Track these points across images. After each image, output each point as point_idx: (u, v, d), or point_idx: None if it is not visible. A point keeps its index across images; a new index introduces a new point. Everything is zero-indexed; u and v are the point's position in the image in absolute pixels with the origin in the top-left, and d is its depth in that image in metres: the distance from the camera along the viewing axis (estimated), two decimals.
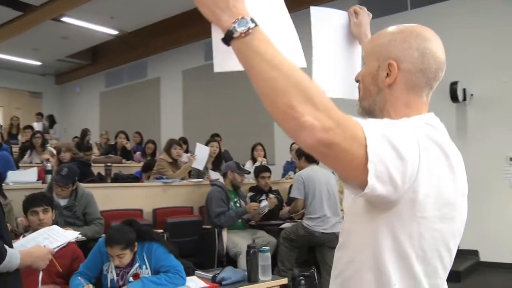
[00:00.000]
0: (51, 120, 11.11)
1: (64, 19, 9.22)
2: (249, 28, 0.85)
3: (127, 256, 2.69)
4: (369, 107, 1.12)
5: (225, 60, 1.00)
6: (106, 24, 9.88)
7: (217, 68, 1.03)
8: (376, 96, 1.08)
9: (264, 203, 4.90)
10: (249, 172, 5.48)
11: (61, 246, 2.43)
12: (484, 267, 5.93)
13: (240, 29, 0.85)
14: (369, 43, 1.15)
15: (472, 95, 6.22)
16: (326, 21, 1.44)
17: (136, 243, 2.73)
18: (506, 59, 6.07)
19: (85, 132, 9.02)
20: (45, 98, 14.27)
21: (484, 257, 6.02)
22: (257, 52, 0.85)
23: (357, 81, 1.17)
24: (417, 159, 0.87)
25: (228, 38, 0.87)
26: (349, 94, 1.40)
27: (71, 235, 2.58)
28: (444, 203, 0.95)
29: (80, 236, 2.75)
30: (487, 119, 6.14)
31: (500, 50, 6.09)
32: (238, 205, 4.90)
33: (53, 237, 2.50)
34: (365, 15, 1.45)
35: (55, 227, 2.64)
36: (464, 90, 6.23)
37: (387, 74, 1.05)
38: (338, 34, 1.45)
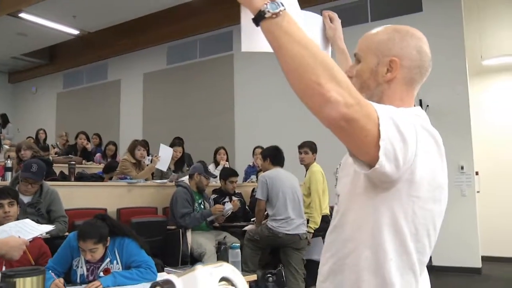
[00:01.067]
0: (4, 120, 10.73)
1: (22, 15, 8.95)
2: (280, 10, 0.92)
3: (100, 250, 2.69)
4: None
5: (253, 41, 1.07)
6: (68, 23, 9.67)
7: (245, 48, 1.10)
8: (374, 90, 1.16)
9: (228, 205, 4.96)
10: (215, 176, 5.54)
11: (36, 236, 2.42)
12: (436, 271, 6.19)
13: (272, 10, 0.92)
14: (364, 41, 1.22)
15: (428, 105, 6.53)
16: (301, 22, 1.55)
17: (108, 238, 2.73)
18: (458, 70, 6.42)
19: (37, 133, 8.83)
20: None
21: (435, 261, 6.29)
22: (286, 32, 0.91)
23: (348, 77, 1.27)
24: (415, 144, 0.96)
25: (259, 18, 0.93)
26: None
27: (45, 228, 2.56)
28: (436, 185, 1.05)
29: (51, 230, 2.73)
30: (442, 129, 6.21)
31: (454, 61, 6.43)
32: (202, 206, 4.95)
33: (26, 230, 2.47)
34: (339, 21, 1.57)
35: (28, 220, 2.61)
36: (420, 100, 6.52)
37: (387, 70, 1.14)
38: (311, 34, 1.57)
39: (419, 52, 1.16)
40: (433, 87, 6.51)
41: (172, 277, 0.69)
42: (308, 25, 1.54)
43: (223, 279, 0.71)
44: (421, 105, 6.53)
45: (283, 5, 0.93)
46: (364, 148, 0.93)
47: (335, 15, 1.57)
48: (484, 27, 7.26)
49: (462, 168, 6.26)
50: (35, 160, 3.80)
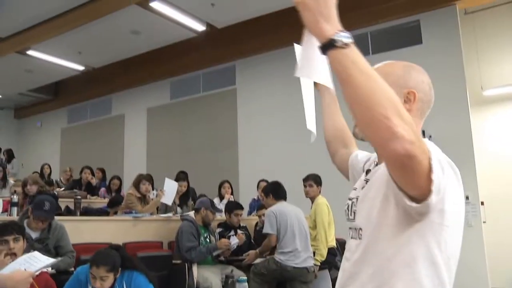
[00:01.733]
0: (9, 155, 10.81)
1: (30, 52, 9.14)
2: (351, 41, 0.94)
3: (110, 279, 2.69)
4: None
5: (308, 68, 1.10)
6: (73, 59, 9.86)
7: (299, 74, 1.12)
8: None
9: (234, 239, 4.95)
10: (221, 211, 5.55)
11: (42, 269, 2.42)
12: None
13: (345, 40, 0.93)
14: (380, 73, 1.26)
15: (430, 136, 6.56)
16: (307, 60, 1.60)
17: (119, 269, 2.74)
18: (460, 100, 6.48)
19: (42, 167, 8.89)
20: (2, 132, 13.87)
21: None
22: (356, 63, 0.92)
23: None
24: (445, 174, 0.99)
25: (328, 47, 0.94)
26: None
27: (52, 260, 2.57)
28: (460, 213, 1.08)
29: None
30: None
31: (455, 91, 6.50)
32: (208, 240, 4.94)
33: (33, 263, 2.48)
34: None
35: (36, 253, 2.62)
36: (423, 131, 6.56)
37: (404, 101, 1.20)
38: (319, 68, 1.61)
39: (430, 88, 1.25)
40: (435, 117, 6.52)
41: None
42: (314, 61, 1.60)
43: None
44: (424, 135, 6.57)
45: (351, 38, 0.94)
46: (417, 182, 0.94)
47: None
48: (483, 58, 7.38)
49: (467, 198, 6.24)
50: (47, 197, 3.80)
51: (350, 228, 1.25)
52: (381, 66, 1.28)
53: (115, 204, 5.92)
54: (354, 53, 0.93)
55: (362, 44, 7.47)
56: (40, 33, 8.19)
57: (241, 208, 5.52)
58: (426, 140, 1.19)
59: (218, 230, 5.42)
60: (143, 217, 5.13)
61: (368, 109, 0.90)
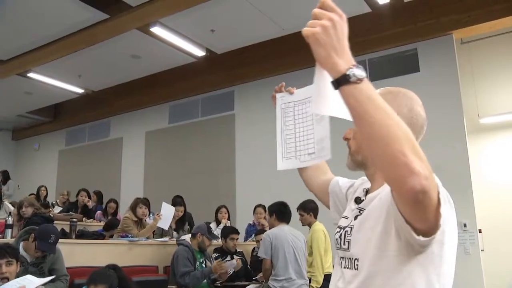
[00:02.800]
0: (5, 176, 10.75)
1: (30, 74, 9.22)
2: (364, 76, 0.91)
3: None
4: (363, 160, 1.27)
5: (323, 103, 1.06)
6: (73, 82, 9.93)
7: (314, 110, 1.13)
8: None
9: (231, 263, 4.91)
10: (218, 237, 5.52)
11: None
12: None
13: (358, 75, 0.90)
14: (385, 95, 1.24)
15: None
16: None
17: None
18: (457, 128, 6.53)
19: (38, 189, 8.85)
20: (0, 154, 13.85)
21: None
22: (369, 98, 0.90)
23: (345, 139, 1.31)
24: (447, 206, 0.98)
25: (342, 82, 0.91)
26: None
27: (46, 279, 2.55)
28: (455, 244, 1.08)
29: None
30: (442, 187, 6.46)
31: (452, 119, 6.55)
32: (204, 265, 4.90)
33: (26, 284, 2.45)
34: None
35: (29, 276, 2.59)
36: None
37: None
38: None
39: (410, 111, 1.23)
40: (431, 145, 6.59)
41: None
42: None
43: None
44: None
45: (365, 72, 0.92)
46: (428, 217, 0.93)
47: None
48: (479, 86, 7.47)
49: (465, 225, 6.22)
50: (53, 229, 3.75)
51: (342, 257, 1.22)
52: (384, 89, 1.29)
53: (111, 227, 5.88)
54: (368, 88, 0.91)
55: None
56: (41, 56, 8.25)
57: (237, 232, 5.50)
58: None
59: (215, 255, 5.38)
60: (139, 241, 5.09)
61: (385, 145, 0.88)
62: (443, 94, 6.70)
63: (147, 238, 5.46)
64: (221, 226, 6.38)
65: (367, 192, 1.33)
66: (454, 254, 1.08)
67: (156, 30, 7.38)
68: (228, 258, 5.40)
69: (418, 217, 0.94)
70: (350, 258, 1.18)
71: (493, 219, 7.20)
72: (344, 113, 0.97)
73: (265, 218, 6.22)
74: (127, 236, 5.23)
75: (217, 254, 5.39)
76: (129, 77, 9.80)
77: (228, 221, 6.58)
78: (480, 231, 6.42)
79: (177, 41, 7.84)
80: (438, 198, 0.91)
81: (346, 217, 1.30)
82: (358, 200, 1.31)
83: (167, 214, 5.69)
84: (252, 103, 8.66)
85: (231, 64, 8.65)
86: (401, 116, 1.16)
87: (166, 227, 5.77)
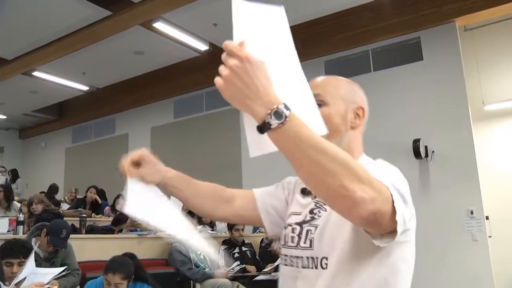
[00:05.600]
0: (14, 175, 10.86)
1: (35, 73, 9.27)
2: (285, 118, 0.84)
3: (123, 287, 2.71)
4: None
5: (261, 143, 0.93)
6: (77, 79, 9.98)
7: (253, 153, 0.96)
8: (344, 135, 1.19)
9: (235, 263, 5.04)
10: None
11: (53, 278, 2.44)
12: None
13: (278, 121, 0.84)
14: (327, 86, 1.22)
15: (433, 151, 6.59)
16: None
17: (132, 277, 2.77)
18: (461, 116, 6.53)
19: (55, 189, 8.96)
20: (7, 152, 13.95)
21: None
22: (298, 139, 0.84)
23: None
24: (409, 199, 0.98)
25: (264, 129, 0.85)
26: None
27: (58, 269, 2.59)
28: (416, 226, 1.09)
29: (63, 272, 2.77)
30: (448, 174, 6.48)
31: (456, 107, 6.55)
32: (201, 256, 5.00)
33: (40, 276, 2.50)
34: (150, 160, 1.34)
35: (39, 269, 2.63)
36: (426, 147, 6.60)
37: (354, 117, 1.21)
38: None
39: (367, 105, 1.26)
40: (437, 133, 6.61)
41: None
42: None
43: None
44: (426, 152, 6.61)
45: (287, 108, 0.84)
46: (383, 226, 0.91)
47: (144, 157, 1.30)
48: (483, 73, 7.46)
49: (471, 212, 6.24)
50: (64, 225, 3.82)
51: (297, 256, 1.16)
52: (327, 79, 1.26)
53: (119, 222, 5.94)
54: (293, 127, 0.84)
55: (363, 62, 7.56)
56: (45, 55, 8.29)
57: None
58: (366, 159, 1.21)
59: (223, 247, 5.44)
60: (148, 235, 5.15)
61: (323, 183, 0.84)
62: (447, 82, 6.70)
63: (156, 232, 5.51)
64: None
65: None
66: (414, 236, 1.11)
67: (159, 25, 7.41)
68: (237, 249, 5.47)
69: (374, 230, 0.93)
70: (313, 257, 1.13)
71: (500, 205, 7.21)
72: None
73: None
74: (136, 230, 5.29)
75: (225, 246, 5.45)
76: (133, 73, 9.83)
77: None
78: (487, 217, 6.43)
79: (180, 36, 7.86)
80: (393, 207, 0.89)
81: (298, 213, 1.24)
82: (305, 192, 1.27)
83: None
84: None
85: None
86: (366, 109, 1.23)
87: None
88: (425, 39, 7.10)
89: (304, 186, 1.28)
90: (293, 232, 1.20)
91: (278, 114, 0.84)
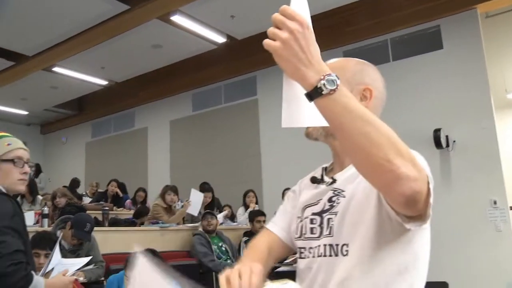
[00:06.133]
0: (37, 169, 11.04)
1: (56, 69, 9.39)
2: (337, 85, 0.85)
3: None
4: None
5: (294, 116, 0.98)
6: (97, 74, 10.08)
7: (285, 124, 1.00)
8: None
9: None
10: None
11: (78, 270, 2.47)
12: None
13: (330, 87, 0.85)
14: (334, 68, 1.09)
15: (454, 141, 6.51)
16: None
17: None
18: (483, 105, 6.42)
19: (77, 183, 9.11)
20: (29, 147, 13.97)
21: None
22: (347, 108, 0.85)
23: None
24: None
25: (314, 95, 0.86)
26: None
27: (84, 259, 2.63)
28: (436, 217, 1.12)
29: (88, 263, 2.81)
30: (470, 164, 6.40)
31: (478, 96, 6.45)
32: (223, 248, 5.03)
33: (66, 267, 2.53)
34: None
35: (64, 260, 2.67)
36: (447, 136, 6.52)
37: (361, 98, 1.17)
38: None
39: (383, 86, 1.23)
40: (459, 122, 6.52)
41: None
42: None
43: None
44: (447, 141, 6.53)
45: (338, 78, 0.86)
46: (418, 208, 0.91)
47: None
48: (506, 61, 7.32)
49: (495, 203, 6.15)
50: (88, 218, 3.89)
51: (317, 246, 1.15)
52: (335, 61, 1.24)
53: (140, 215, 6.02)
54: (343, 97, 0.86)
55: (382, 51, 7.48)
56: (64, 50, 8.39)
57: (263, 214, 5.60)
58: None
59: (244, 239, 5.49)
60: (169, 227, 5.20)
61: (368, 155, 0.84)
62: (468, 70, 6.59)
63: (177, 224, 5.57)
64: (250, 210, 6.46)
65: (325, 169, 1.31)
66: None
67: (177, 18, 7.42)
68: None
69: (409, 212, 0.93)
70: (331, 245, 1.11)
71: None
72: (320, 120, 0.90)
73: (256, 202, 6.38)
74: (157, 223, 5.34)
75: (247, 238, 5.49)
76: (151, 67, 9.88)
77: (256, 205, 6.66)
78: (511, 208, 6.34)
79: (197, 28, 7.87)
80: (428, 189, 0.89)
81: (313, 204, 1.22)
82: (317, 180, 1.27)
83: (196, 200, 5.79)
84: (275, 87, 8.61)
85: (252, 49, 8.62)
86: (378, 91, 1.20)
87: (195, 213, 5.87)
88: (445, 27, 6.99)
89: (314, 175, 1.29)
90: (312, 223, 1.18)
91: (330, 81, 0.85)
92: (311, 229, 1.18)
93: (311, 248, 1.16)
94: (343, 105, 0.85)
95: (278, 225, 1.34)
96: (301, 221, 1.22)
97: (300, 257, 1.21)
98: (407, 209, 0.91)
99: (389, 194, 0.90)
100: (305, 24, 0.88)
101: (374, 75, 1.22)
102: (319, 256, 1.13)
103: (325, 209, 1.17)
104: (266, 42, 0.88)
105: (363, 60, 1.25)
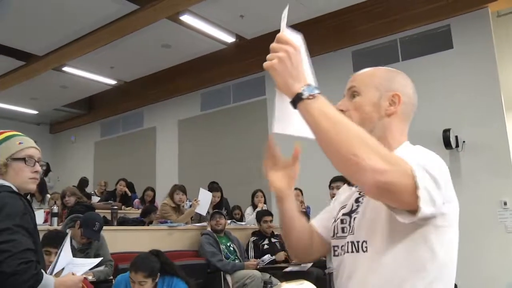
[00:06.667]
0: (46, 169, 11.09)
1: (65, 68, 9.44)
2: (316, 93, 1.02)
3: (148, 285, 2.75)
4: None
5: (285, 124, 1.17)
6: (106, 74, 10.12)
7: (276, 130, 1.19)
8: (376, 123, 1.23)
9: (267, 256, 5.07)
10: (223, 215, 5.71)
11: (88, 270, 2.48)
12: None
13: (310, 92, 1.02)
14: (363, 76, 1.29)
15: (464, 141, 6.46)
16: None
17: (158, 274, 2.80)
18: (494, 105, 6.37)
19: (85, 182, 9.16)
20: (38, 146, 14.19)
21: None
22: (322, 111, 1.01)
23: (342, 111, 1.25)
24: (444, 182, 1.06)
25: (296, 100, 1.03)
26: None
27: (95, 260, 2.64)
28: (457, 211, 1.16)
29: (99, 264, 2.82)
30: (480, 164, 6.34)
31: (488, 96, 6.40)
32: (231, 248, 5.03)
33: (77, 267, 2.55)
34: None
35: (76, 260, 2.69)
36: (456, 137, 6.47)
37: (389, 104, 1.23)
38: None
39: (413, 92, 1.28)
40: (469, 123, 6.47)
41: None
42: None
43: None
44: (457, 141, 6.49)
45: (317, 89, 1.04)
46: (405, 201, 1.00)
47: (299, 152, 1.48)
48: None
49: (505, 204, 6.10)
50: (97, 217, 3.90)
51: (343, 245, 1.24)
52: (365, 71, 1.31)
53: (147, 213, 6.04)
54: (320, 102, 1.02)
55: (391, 51, 7.44)
56: (74, 50, 8.43)
57: (270, 214, 5.60)
58: (407, 147, 1.24)
59: (252, 238, 5.48)
60: (178, 226, 5.20)
61: (337, 150, 0.98)
62: (479, 70, 6.53)
63: (186, 223, 5.57)
64: (258, 210, 6.45)
65: None
66: (457, 221, 1.17)
67: (186, 18, 7.43)
68: (266, 240, 5.49)
69: (394, 203, 1.02)
70: (353, 242, 1.21)
71: None
72: (306, 132, 1.07)
73: (302, 201, 6.26)
74: (166, 222, 5.34)
75: (255, 238, 5.49)
76: (160, 67, 9.90)
77: (265, 205, 6.64)
78: None
79: (206, 28, 7.87)
80: (414, 182, 0.97)
81: (345, 205, 1.33)
82: (350, 183, 1.36)
83: (204, 200, 5.78)
84: None
85: (261, 49, 8.51)
86: (407, 95, 1.25)
87: (204, 213, 5.87)
88: (456, 26, 6.94)
89: None
90: (342, 223, 1.28)
91: (310, 88, 1.03)
92: (342, 228, 1.27)
93: (342, 246, 1.25)
94: (319, 109, 1.01)
95: (319, 222, 1.46)
96: (335, 221, 1.33)
97: (334, 255, 1.30)
98: (383, 199, 1.02)
99: (358, 184, 1.03)
100: (298, 48, 1.07)
101: (403, 82, 1.27)
102: (346, 253, 1.22)
103: (352, 209, 1.27)
104: (265, 64, 1.07)
105: (392, 68, 1.31)
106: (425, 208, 0.99)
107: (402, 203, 1.00)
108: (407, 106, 1.25)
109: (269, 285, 2.92)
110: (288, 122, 1.14)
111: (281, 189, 1.40)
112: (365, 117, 1.22)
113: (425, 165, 1.01)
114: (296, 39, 1.11)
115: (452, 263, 1.15)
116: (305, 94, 1.02)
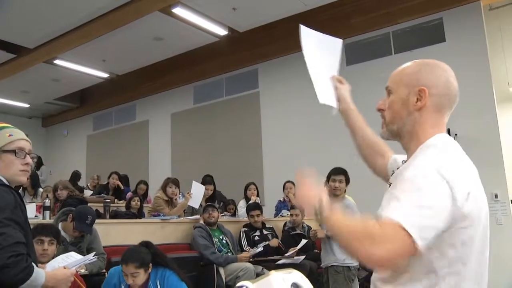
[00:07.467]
0: (39, 162, 11.02)
1: (57, 61, 9.37)
2: (325, 215, 1.19)
3: (141, 276, 2.76)
4: (398, 129, 1.31)
5: (327, 96, 1.56)
6: (98, 67, 10.07)
7: (322, 101, 1.52)
8: (406, 119, 1.27)
9: (259, 247, 5.08)
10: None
11: (81, 264, 2.48)
12: None
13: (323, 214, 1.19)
14: (396, 75, 1.34)
15: (456, 134, 6.48)
16: (315, 42, 1.76)
17: (150, 264, 2.80)
18: (486, 98, 6.40)
19: (78, 176, 9.11)
20: (30, 140, 14.10)
21: None
22: (331, 225, 1.19)
23: (379, 110, 1.37)
24: (450, 202, 1.11)
25: (317, 218, 1.22)
26: (328, 101, 1.66)
27: (89, 255, 2.64)
28: (477, 207, 1.19)
29: (94, 258, 2.81)
30: (472, 157, 6.21)
31: (480, 89, 6.42)
32: (224, 241, 5.04)
33: (70, 261, 2.55)
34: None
35: (72, 253, 2.69)
36: (448, 129, 6.47)
37: (417, 99, 1.25)
38: (324, 55, 1.75)
39: (445, 82, 1.28)
40: (461, 116, 6.48)
41: (246, 283, 0.74)
42: (325, 50, 1.76)
43: (293, 284, 0.77)
44: (449, 134, 6.50)
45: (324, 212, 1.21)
46: (408, 255, 1.09)
47: (342, 79, 1.71)
48: (509, 54, 7.27)
49: (496, 196, 6.15)
50: (90, 211, 3.88)
51: None
52: (399, 68, 1.35)
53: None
54: (329, 220, 1.19)
55: (384, 44, 7.45)
56: (66, 43, 8.37)
57: (256, 208, 5.64)
58: (429, 149, 1.26)
59: (244, 229, 5.53)
60: (170, 220, 5.20)
61: (347, 248, 1.15)
62: (471, 64, 6.55)
63: (179, 216, 5.57)
64: (251, 203, 6.46)
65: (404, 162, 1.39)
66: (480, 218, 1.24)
67: (178, 11, 7.39)
68: (257, 232, 5.52)
69: (401, 263, 1.16)
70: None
71: None
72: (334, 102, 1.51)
73: (294, 194, 6.21)
74: (159, 215, 5.34)
75: (246, 229, 5.54)
76: (152, 60, 9.86)
77: (258, 198, 6.65)
78: None
79: (199, 21, 7.84)
80: (406, 232, 1.04)
81: (392, 173, 1.44)
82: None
83: (197, 193, 5.78)
84: (276, 80, 8.64)
85: (253, 42, 8.62)
86: (437, 87, 1.26)
87: (196, 206, 5.87)
88: (448, 19, 6.95)
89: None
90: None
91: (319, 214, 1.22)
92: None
93: None
94: (330, 224, 1.19)
95: (393, 158, 1.59)
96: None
97: None
98: (395, 266, 1.15)
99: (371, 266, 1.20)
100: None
101: (431, 74, 1.29)
102: None
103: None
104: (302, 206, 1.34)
105: (422, 60, 1.33)
106: (426, 246, 1.07)
107: (408, 253, 1.08)
108: (439, 97, 1.27)
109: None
110: (330, 95, 1.54)
111: (346, 98, 1.65)
112: (395, 114, 1.29)
113: (417, 203, 1.08)
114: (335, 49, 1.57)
115: (462, 264, 1.19)
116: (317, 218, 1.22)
